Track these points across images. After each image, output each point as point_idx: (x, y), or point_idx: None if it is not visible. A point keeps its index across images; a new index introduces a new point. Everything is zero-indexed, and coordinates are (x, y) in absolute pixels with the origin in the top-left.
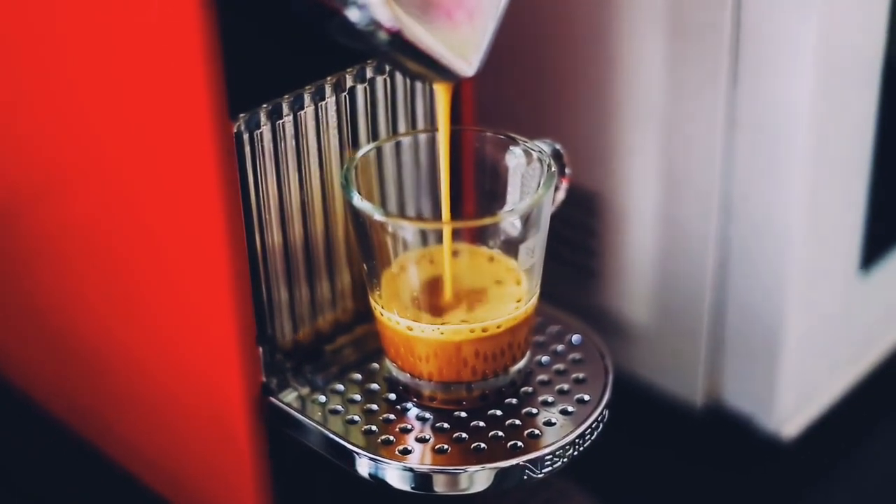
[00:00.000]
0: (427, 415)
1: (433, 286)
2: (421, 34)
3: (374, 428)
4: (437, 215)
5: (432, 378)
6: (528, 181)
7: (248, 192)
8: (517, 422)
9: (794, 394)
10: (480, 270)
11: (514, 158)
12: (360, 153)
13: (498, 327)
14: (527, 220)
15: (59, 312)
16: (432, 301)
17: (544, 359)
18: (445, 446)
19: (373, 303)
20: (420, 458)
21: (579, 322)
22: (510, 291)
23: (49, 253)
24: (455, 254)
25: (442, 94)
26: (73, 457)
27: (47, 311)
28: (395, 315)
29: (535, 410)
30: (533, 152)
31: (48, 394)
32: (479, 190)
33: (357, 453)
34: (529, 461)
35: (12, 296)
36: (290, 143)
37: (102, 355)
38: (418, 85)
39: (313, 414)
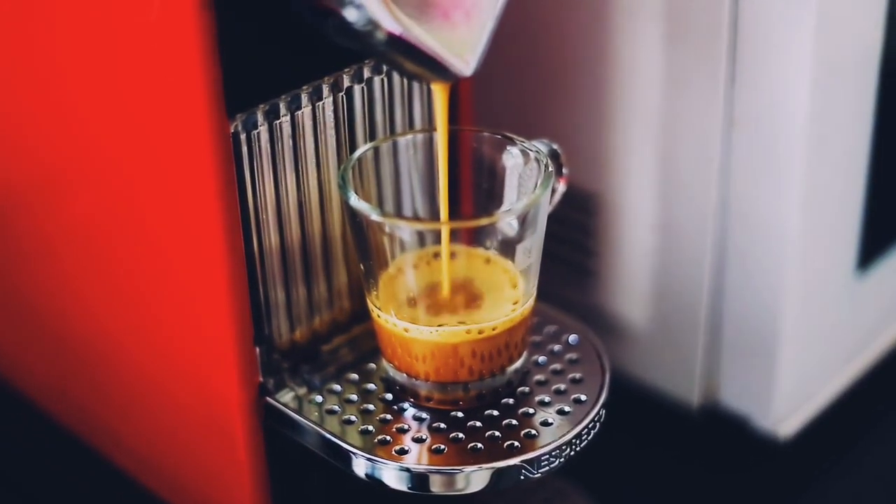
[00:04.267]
0: (424, 415)
1: (430, 288)
2: (418, 34)
3: (370, 428)
4: (434, 215)
5: (429, 378)
6: (526, 181)
7: (245, 192)
8: (514, 422)
9: (790, 394)
10: (477, 272)
11: (512, 158)
12: (358, 153)
13: (494, 329)
14: (524, 221)
15: (55, 313)
16: (429, 302)
17: (541, 359)
18: (442, 446)
19: (370, 304)
20: (417, 458)
21: (576, 322)
22: (507, 293)
23: (46, 253)
24: (452, 255)
25: (440, 94)
26: (70, 456)
27: (44, 311)
28: (391, 316)
29: (531, 410)
30: (530, 152)
31: (45, 393)
32: (476, 190)
33: (354, 453)
34: (526, 461)
35: (9, 296)
36: (288, 143)
37: (99, 355)
38: (416, 85)
39: (310, 414)
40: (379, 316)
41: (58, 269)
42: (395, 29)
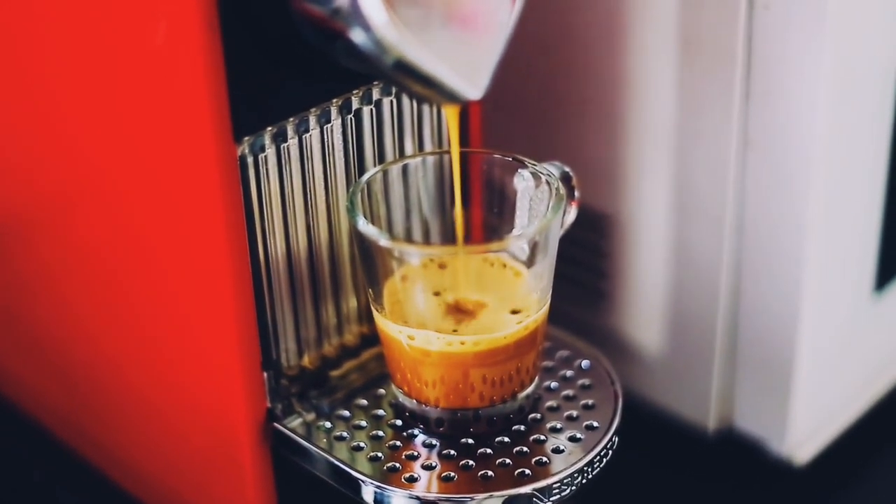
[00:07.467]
0: (434, 441)
1: (438, 297)
2: (427, 56)
3: (380, 455)
4: (444, 238)
5: (439, 404)
6: (537, 204)
7: (252, 216)
8: (525, 449)
9: (806, 418)
10: (488, 284)
11: (523, 181)
12: (366, 176)
13: (504, 338)
14: (535, 245)
15: (60, 335)
16: (438, 313)
17: (553, 384)
18: (452, 474)
19: (375, 313)
20: (427, 485)
21: (589, 346)
22: (517, 307)
23: (49, 278)
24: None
25: (451, 116)
26: (76, 480)
27: (47, 336)
28: (398, 325)
29: (543, 437)
30: (542, 175)
31: (50, 416)
32: (486, 213)
33: (363, 481)
34: (538, 489)
35: (13, 322)
36: (296, 166)
37: (103, 380)
38: (425, 106)
39: (319, 440)
40: (386, 325)
41: (61, 293)
42: (404, 51)
